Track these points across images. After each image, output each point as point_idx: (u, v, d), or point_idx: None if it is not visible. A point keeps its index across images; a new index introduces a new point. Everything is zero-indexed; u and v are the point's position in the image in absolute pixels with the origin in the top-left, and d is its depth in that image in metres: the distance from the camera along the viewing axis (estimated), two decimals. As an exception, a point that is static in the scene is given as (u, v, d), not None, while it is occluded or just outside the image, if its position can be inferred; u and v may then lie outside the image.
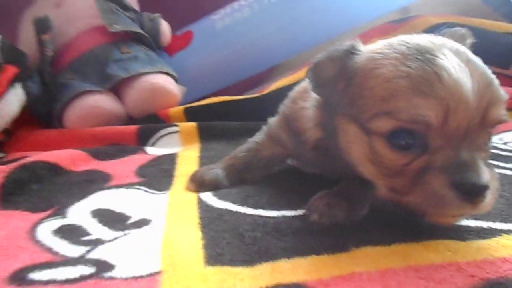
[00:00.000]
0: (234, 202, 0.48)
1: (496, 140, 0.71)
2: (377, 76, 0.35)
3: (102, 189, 0.56)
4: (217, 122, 0.89)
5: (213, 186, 0.54)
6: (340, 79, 0.38)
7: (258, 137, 0.59)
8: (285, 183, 0.55)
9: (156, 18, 1.11)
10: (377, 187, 0.37)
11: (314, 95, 0.44)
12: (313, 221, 0.40)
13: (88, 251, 0.38)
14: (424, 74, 0.32)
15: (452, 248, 0.33)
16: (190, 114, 0.95)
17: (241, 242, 0.38)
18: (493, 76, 0.34)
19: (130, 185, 0.57)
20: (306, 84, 0.49)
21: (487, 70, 0.34)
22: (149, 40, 1.07)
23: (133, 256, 0.36)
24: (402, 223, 0.38)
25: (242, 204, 0.47)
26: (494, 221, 0.38)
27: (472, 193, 0.31)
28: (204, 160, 0.70)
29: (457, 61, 0.33)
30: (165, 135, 0.87)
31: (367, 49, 0.38)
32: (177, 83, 1.03)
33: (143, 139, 0.86)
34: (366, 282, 0.30)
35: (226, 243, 0.38)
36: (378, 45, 0.38)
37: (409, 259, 0.32)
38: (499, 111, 0.33)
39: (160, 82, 0.96)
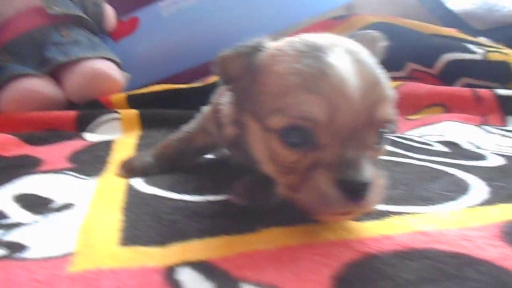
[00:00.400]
0: (161, 188, 0.50)
1: (413, 133, 0.78)
2: (273, 72, 0.35)
3: (30, 173, 0.56)
4: (159, 110, 0.89)
5: (142, 173, 0.55)
6: (245, 76, 0.38)
7: (191, 126, 0.60)
8: (215, 171, 0.58)
9: (100, 2, 1.08)
10: (278, 185, 0.37)
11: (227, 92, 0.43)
12: (233, 203, 0.42)
13: (3, 234, 0.38)
14: (312, 71, 0.32)
15: (346, 228, 0.37)
16: (133, 102, 0.94)
17: (159, 224, 0.40)
18: (383, 76, 0.34)
19: (59, 171, 0.57)
20: None
21: (377, 70, 0.34)
22: (91, 24, 1.05)
23: (48, 238, 0.37)
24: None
25: (169, 189, 0.49)
26: (390, 204, 0.43)
27: (353, 190, 0.31)
28: (141, 147, 0.71)
29: (346, 59, 0.33)
30: (106, 121, 0.86)
31: (272, 46, 0.38)
32: (121, 69, 1.01)
33: (81, 125, 0.85)
34: (264, 258, 0.33)
35: (146, 225, 0.39)
36: (282, 42, 0.38)
37: (306, 238, 0.36)
38: (386, 110, 0.34)
39: (102, 68, 0.94)
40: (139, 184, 0.52)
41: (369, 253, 0.33)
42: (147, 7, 1.14)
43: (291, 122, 0.33)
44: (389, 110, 0.34)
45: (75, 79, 0.92)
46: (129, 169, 0.55)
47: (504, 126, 0.76)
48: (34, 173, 0.56)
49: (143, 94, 0.96)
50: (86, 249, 0.35)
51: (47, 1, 0.97)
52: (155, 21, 1.10)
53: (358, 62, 0.33)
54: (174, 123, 0.86)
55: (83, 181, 0.54)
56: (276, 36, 0.42)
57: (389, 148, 0.65)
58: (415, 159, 0.60)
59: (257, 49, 0.38)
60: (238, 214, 0.42)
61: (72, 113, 0.86)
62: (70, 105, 0.96)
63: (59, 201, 0.46)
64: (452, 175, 0.52)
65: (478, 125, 0.76)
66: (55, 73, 0.94)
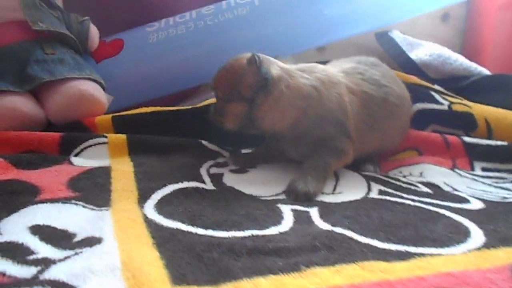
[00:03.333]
0: (182, 222, 0.50)
1: (396, 173, 0.84)
2: None
3: (34, 202, 0.52)
4: (148, 136, 0.88)
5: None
6: None
7: None
8: (224, 203, 0.59)
9: (85, 21, 1.06)
10: None
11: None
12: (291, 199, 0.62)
13: (40, 272, 0.36)
14: None
15: (382, 269, 0.40)
16: (118, 124, 0.92)
17: (200, 262, 0.40)
18: None
19: (65, 200, 0.54)
20: None
21: None
22: (75, 43, 1.01)
23: (94, 277, 0.36)
24: (339, 247, 0.45)
25: (191, 224, 0.49)
26: (408, 245, 0.47)
27: None
28: (140, 175, 0.69)
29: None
30: (92, 145, 0.83)
31: None
32: (105, 91, 0.99)
33: (66, 148, 0.80)
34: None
35: (186, 263, 0.39)
36: None
37: (351, 278, 0.38)
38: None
39: (89, 89, 0.91)
40: (156, 216, 0.51)
41: (414, 294, 0.36)
42: (133, 30, 1.13)
43: None
44: None
45: (59, 99, 0.88)
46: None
47: (472, 171, 0.84)
48: (38, 202, 0.53)
49: (129, 116, 0.94)
50: (138, 289, 0.34)
51: (32, 16, 0.93)
52: (140, 45, 1.09)
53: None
54: (163, 151, 0.86)
55: (95, 212, 0.52)
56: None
57: (381, 187, 0.70)
58: (408, 200, 0.64)
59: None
60: (273, 251, 0.43)
61: (55, 135, 0.82)
62: (48, 125, 0.91)
63: (80, 234, 0.45)
64: (448, 217, 0.57)
65: (451, 168, 0.84)
66: (36, 91, 0.90)
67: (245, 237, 0.46)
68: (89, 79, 0.94)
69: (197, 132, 0.93)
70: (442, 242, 0.48)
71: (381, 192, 0.68)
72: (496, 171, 0.83)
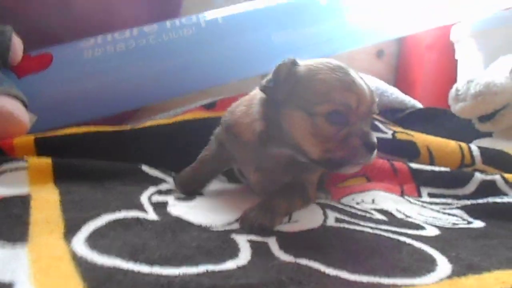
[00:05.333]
0: (122, 258, 0.41)
1: (348, 200, 0.82)
2: (318, 80, 0.56)
3: None
4: (77, 160, 0.77)
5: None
6: (289, 82, 0.58)
7: (210, 147, 0.77)
8: (170, 235, 0.51)
9: (6, 31, 0.93)
10: (311, 152, 0.58)
11: (257, 98, 0.64)
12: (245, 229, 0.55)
13: None
14: (346, 80, 0.56)
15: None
16: (42, 146, 0.80)
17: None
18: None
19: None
20: (237, 102, 0.72)
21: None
22: (-7, 55, 0.89)
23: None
24: (309, 281, 0.39)
25: (133, 260, 0.41)
26: (380, 276, 0.43)
27: (372, 147, 0.55)
28: (67, 205, 0.59)
29: (357, 76, 0.58)
30: (7, 171, 0.70)
31: (304, 63, 0.59)
32: (27, 109, 0.86)
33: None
34: None
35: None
36: (311, 62, 0.59)
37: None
38: (376, 106, 0.60)
39: (6, 106, 0.79)
40: (88, 253, 0.42)
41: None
42: (65, 45, 1.02)
43: (334, 108, 0.55)
44: (376, 106, 0.60)
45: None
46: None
47: (419, 197, 0.85)
48: None
49: (56, 138, 0.82)
50: None
51: None
52: (73, 61, 0.99)
53: (362, 77, 0.59)
54: (97, 177, 0.75)
55: (6, 251, 0.41)
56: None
57: (337, 215, 0.66)
58: (367, 227, 0.61)
59: (295, 64, 0.59)
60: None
61: (-40, 158, 0.68)
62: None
63: (-16, 280, 0.34)
64: (409, 244, 0.55)
65: (400, 195, 0.84)
66: None
67: (200, 274, 0.39)
68: (8, 95, 0.82)
69: (136, 156, 0.84)
70: (413, 272, 0.45)
71: (338, 220, 0.64)
72: (442, 196, 0.84)
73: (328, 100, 0.55)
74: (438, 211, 0.77)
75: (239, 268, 0.43)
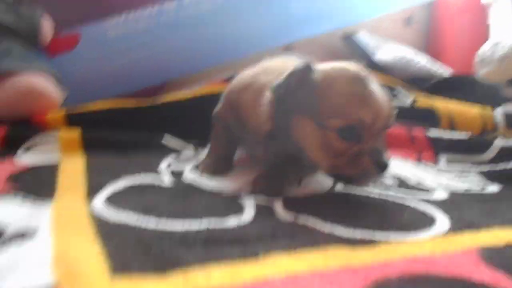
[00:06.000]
0: (134, 212, 0.45)
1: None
2: (334, 91, 0.51)
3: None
4: (104, 132, 0.83)
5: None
6: (302, 89, 0.53)
7: (213, 134, 0.74)
8: (182, 195, 0.55)
9: (36, 13, 0.99)
10: (321, 165, 0.55)
11: (267, 95, 0.57)
12: (257, 194, 0.57)
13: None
14: (364, 93, 0.51)
15: (346, 255, 0.38)
16: (73, 121, 0.86)
17: (147, 252, 0.36)
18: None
19: (2, 194, 0.49)
20: (246, 79, 0.65)
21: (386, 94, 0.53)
22: (25, 35, 0.95)
23: (18, 271, 0.31)
24: (301, 235, 0.42)
25: (144, 213, 0.45)
26: (373, 232, 0.44)
27: (383, 168, 0.51)
28: (92, 169, 0.64)
29: (376, 87, 0.52)
30: (41, 142, 0.77)
31: (321, 70, 0.54)
32: (60, 84, 0.93)
33: (12, 144, 0.74)
34: (280, 286, 0.32)
35: (131, 253, 0.35)
36: (328, 68, 0.54)
37: (313, 265, 0.35)
38: (392, 120, 0.54)
39: (39, 83, 0.85)
40: (103, 210, 0.47)
41: (376, 280, 0.33)
42: (90, 25, 1.08)
43: (348, 124, 0.51)
44: (393, 119, 0.55)
45: (4, 94, 0.81)
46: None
47: (436, 164, 0.84)
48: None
49: (85, 113, 0.88)
50: (70, 279, 0.30)
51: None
52: (99, 40, 1.04)
53: (380, 88, 0.53)
54: (121, 147, 0.81)
55: (34, 206, 0.46)
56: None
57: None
58: (374, 194, 0.62)
59: (309, 69, 0.53)
60: (230, 240, 0.40)
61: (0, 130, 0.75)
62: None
63: (13, 226, 0.39)
64: (413, 208, 0.56)
65: (415, 161, 0.84)
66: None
67: (199, 231, 0.42)
68: (41, 71, 0.88)
69: (158, 128, 0.89)
70: (408, 229, 0.46)
71: (346, 188, 0.65)
72: (460, 162, 0.83)
73: (342, 114, 0.51)
74: (454, 178, 0.77)
75: (239, 225, 0.46)
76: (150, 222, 0.43)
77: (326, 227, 0.45)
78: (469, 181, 0.74)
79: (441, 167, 0.82)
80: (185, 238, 0.40)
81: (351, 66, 0.54)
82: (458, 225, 0.48)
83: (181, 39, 1.06)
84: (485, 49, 1.01)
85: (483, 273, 0.36)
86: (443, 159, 0.85)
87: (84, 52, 1.03)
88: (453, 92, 1.32)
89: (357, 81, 0.52)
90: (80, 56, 1.02)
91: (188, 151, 0.83)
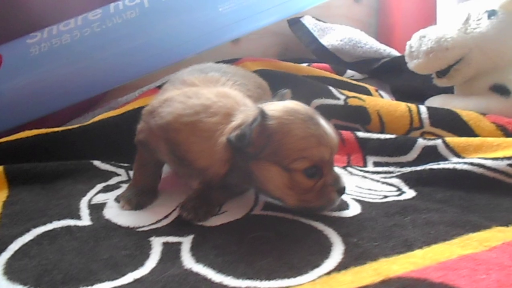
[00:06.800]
0: (24, 285, 0.46)
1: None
2: (293, 136, 0.56)
3: None
4: (29, 164, 0.81)
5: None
6: (260, 137, 0.56)
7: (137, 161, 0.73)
8: (91, 244, 0.56)
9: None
10: (287, 201, 0.60)
11: (222, 141, 0.58)
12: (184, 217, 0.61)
13: None
14: (319, 132, 0.57)
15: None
16: (-4, 154, 0.84)
17: None
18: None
19: None
20: (184, 118, 0.61)
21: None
22: None
23: None
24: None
25: (36, 285, 0.46)
26: (261, 279, 0.46)
27: (342, 192, 0.61)
28: (5, 219, 0.63)
29: (323, 121, 0.59)
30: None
31: (272, 115, 0.57)
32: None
33: None
34: None
35: None
36: (279, 113, 0.57)
37: None
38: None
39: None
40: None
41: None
42: (11, 43, 1.03)
43: (312, 164, 0.57)
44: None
45: None
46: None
47: (364, 166, 0.86)
48: None
49: (8, 143, 0.86)
50: None
51: None
52: (21, 59, 1.00)
53: (328, 123, 0.60)
54: (49, 178, 0.80)
55: None
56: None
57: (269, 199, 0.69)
58: (289, 213, 0.64)
59: (264, 116, 0.56)
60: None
61: None
62: None
63: None
64: (319, 231, 0.57)
65: (344, 167, 0.85)
66: None
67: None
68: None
69: (88, 152, 0.88)
70: (298, 270, 0.48)
71: (265, 207, 0.67)
72: (385, 165, 0.85)
73: (305, 156, 0.56)
74: (378, 181, 0.79)
75: (135, 280, 0.47)
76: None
77: (217, 277, 0.47)
78: (391, 184, 0.76)
79: (367, 170, 0.84)
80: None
81: (298, 106, 0.59)
82: (349, 258, 0.49)
83: (107, 50, 1.02)
84: (412, 42, 1.01)
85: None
86: (370, 161, 0.87)
87: (8, 72, 0.99)
88: (400, 73, 1.33)
89: (310, 121, 0.57)
90: (1, 78, 0.98)
91: (119, 177, 0.83)
